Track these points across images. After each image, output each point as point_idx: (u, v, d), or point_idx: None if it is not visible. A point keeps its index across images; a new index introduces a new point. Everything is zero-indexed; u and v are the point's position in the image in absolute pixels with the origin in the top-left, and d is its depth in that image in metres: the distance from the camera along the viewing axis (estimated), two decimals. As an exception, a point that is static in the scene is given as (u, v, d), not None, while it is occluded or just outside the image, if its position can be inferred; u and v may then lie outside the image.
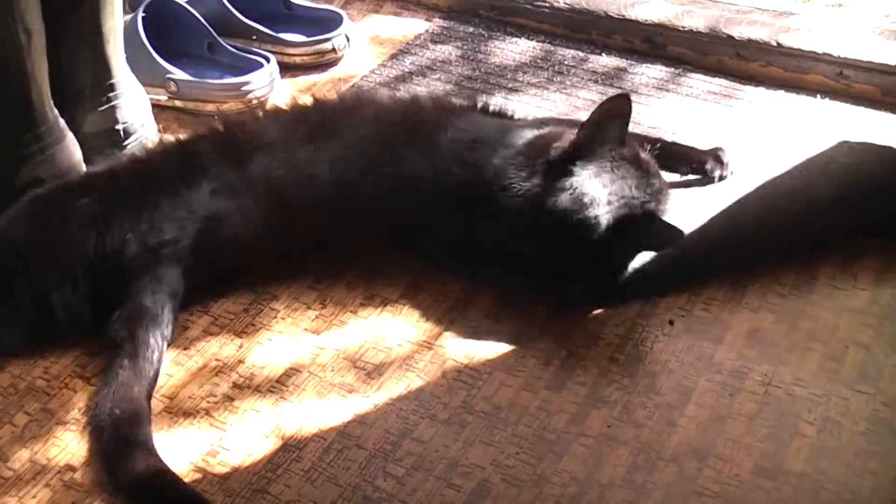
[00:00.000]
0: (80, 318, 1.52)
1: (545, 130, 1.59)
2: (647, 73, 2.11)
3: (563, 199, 1.45)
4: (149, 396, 1.42)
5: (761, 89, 2.04)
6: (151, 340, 1.47)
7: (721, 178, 1.71)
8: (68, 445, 1.38)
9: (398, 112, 1.70)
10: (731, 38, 2.10)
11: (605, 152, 1.49)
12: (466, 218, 1.54)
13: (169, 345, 1.51)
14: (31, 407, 1.44)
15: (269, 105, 2.02)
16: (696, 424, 1.35)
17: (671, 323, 1.51)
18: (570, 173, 1.46)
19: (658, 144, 1.60)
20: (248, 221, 1.58)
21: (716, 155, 1.73)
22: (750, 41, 2.08)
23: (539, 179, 1.48)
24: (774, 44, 2.06)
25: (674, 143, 1.79)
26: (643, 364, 1.45)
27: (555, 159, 1.49)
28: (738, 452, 1.31)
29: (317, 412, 1.41)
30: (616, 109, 1.52)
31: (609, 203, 1.45)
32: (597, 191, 1.44)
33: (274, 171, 1.60)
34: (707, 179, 1.72)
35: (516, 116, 1.78)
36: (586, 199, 1.44)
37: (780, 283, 1.58)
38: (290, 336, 1.54)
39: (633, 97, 1.95)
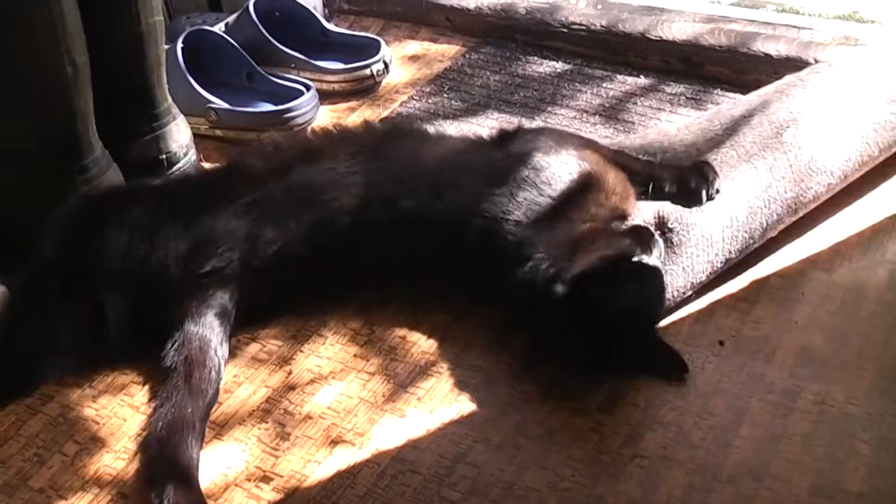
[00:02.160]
0: (129, 330, 1.53)
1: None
2: (685, 94, 2.11)
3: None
4: (205, 417, 1.43)
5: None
6: (206, 360, 1.48)
7: (709, 196, 1.59)
8: (119, 474, 1.39)
9: (434, 149, 1.68)
10: (768, 56, 2.10)
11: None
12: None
13: (225, 362, 1.53)
14: (81, 436, 1.45)
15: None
16: (751, 445, 1.34)
17: (721, 343, 1.50)
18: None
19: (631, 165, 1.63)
20: (291, 237, 1.58)
21: (701, 170, 1.63)
22: (788, 59, 2.08)
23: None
24: (812, 62, 2.05)
25: (647, 162, 1.68)
26: (696, 385, 1.44)
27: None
28: (794, 472, 1.30)
29: (369, 437, 1.41)
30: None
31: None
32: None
33: (315, 182, 1.61)
34: (693, 200, 1.60)
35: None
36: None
37: (829, 301, 1.57)
38: (339, 362, 1.54)
39: (671, 118, 1.98)
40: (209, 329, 1.52)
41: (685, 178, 1.62)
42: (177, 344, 1.50)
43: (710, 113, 1.84)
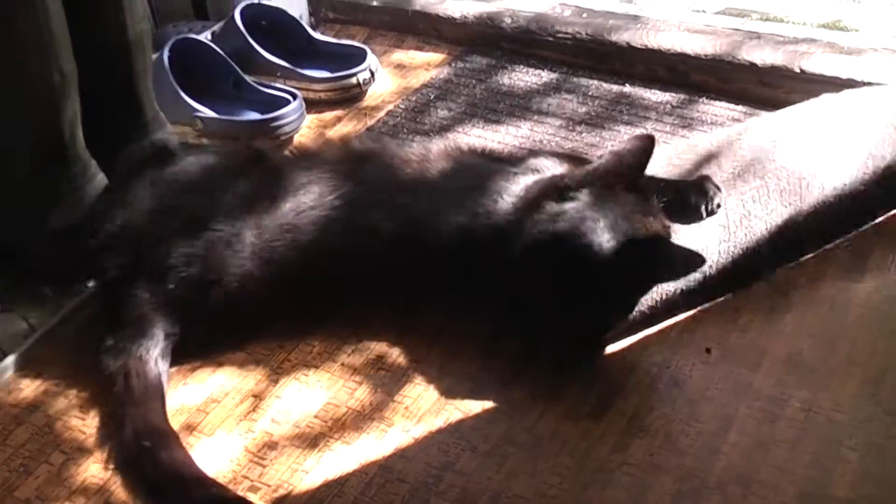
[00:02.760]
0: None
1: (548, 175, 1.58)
2: (671, 102, 2.12)
3: (562, 225, 1.44)
4: (166, 418, 1.44)
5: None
6: (147, 371, 1.49)
7: (710, 212, 1.58)
8: (106, 483, 1.38)
9: (410, 168, 1.64)
10: (753, 65, 2.11)
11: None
12: (474, 267, 1.52)
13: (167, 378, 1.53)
14: (68, 446, 1.44)
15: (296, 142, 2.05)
16: (738, 451, 1.35)
17: (708, 351, 1.51)
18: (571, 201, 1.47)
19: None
20: (264, 270, 1.56)
21: (701, 186, 1.60)
22: (773, 68, 2.09)
23: (546, 215, 1.47)
24: (797, 70, 2.06)
25: (650, 177, 1.63)
26: (683, 392, 1.44)
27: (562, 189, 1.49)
28: (782, 479, 1.30)
29: (356, 446, 1.40)
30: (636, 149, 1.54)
31: (610, 229, 1.43)
32: (595, 217, 1.44)
33: (294, 215, 1.58)
34: (691, 216, 1.59)
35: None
36: (585, 225, 1.43)
37: (815, 307, 1.57)
38: (326, 371, 1.53)
39: (658, 126, 2.00)
40: (152, 341, 1.52)
41: (685, 193, 1.59)
42: (115, 350, 1.51)
43: (739, 128, 1.83)
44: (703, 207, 1.56)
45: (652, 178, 1.62)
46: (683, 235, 1.55)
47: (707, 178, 1.60)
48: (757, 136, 1.72)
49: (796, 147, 1.68)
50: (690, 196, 1.58)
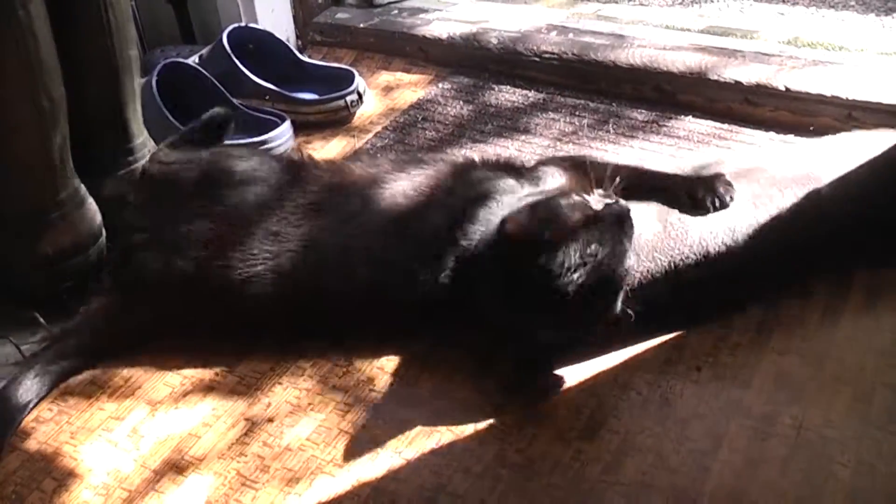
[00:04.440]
0: None
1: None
2: (658, 121, 2.13)
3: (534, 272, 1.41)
4: None
5: (771, 133, 2.06)
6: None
7: (716, 207, 1.60)
8: (99, 510, 1.38)
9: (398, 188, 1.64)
10: (739, 83, 2.12)
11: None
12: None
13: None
14: (60, 472, 1.44)
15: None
16: (730, 469, 1.35)
17: (698, 369, 1.51)
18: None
19: (636, 174, 1.62)
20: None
21: (710, 181, 1.63)
22: (758, 86, 2.10)
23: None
24: (783, 88, 2.08)
25: (656, 172, 1.69)
26: (674, 410, 1.44)
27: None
28: (773, 496, 1.31)
29: (349, 469, 1.40)
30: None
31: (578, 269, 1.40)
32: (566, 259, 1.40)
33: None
34: (699, 209, 1.62)
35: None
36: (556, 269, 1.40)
37: (804, 325, 1.58)
38: (318, 393, 1.53)
39: (645, 144, 1.99)
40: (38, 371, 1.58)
41: (695, 188, 1.63)
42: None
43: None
44: (709, 202, 1.60)
45: (668, 175, 1.67)
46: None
47: (719, 176, 1.64)
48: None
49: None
50: (698, 190, 1.62)
